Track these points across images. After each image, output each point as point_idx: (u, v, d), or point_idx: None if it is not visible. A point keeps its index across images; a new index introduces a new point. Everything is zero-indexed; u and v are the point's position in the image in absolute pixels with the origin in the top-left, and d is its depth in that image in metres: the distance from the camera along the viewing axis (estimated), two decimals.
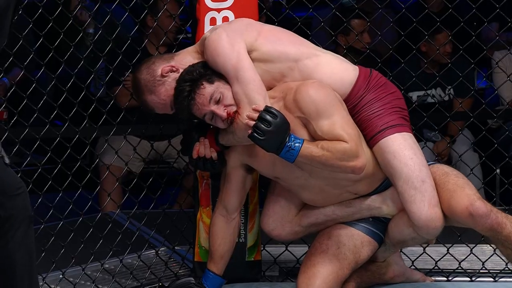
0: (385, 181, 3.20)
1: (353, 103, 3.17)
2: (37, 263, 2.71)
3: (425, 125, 3.92)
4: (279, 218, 3.32)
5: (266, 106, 3.02)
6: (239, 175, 3.27)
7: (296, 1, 3.67)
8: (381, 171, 3.17)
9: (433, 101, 5.00)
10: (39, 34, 3.49)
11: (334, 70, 3.18)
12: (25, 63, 3.49)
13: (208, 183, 3.50)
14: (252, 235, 3.50)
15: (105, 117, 3.61)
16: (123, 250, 3.64)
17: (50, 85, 3.65)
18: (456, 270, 3.61)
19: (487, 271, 3.59)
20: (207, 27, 3.40)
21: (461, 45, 3.78)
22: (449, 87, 5.05)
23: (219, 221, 3.31)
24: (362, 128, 3.16)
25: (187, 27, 4.28)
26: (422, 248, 3.63)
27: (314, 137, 3.07)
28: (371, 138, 3.15)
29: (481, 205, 3.06)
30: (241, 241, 3.47)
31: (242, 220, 3.45)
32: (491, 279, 3.57)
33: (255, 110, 3.02)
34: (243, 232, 3.48)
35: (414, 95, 4.95)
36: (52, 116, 3.49)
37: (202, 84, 3.09)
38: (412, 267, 3.56)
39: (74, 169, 3.55)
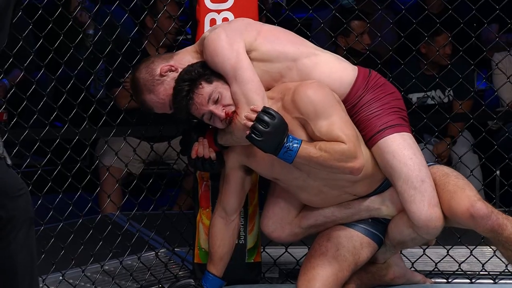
0: (384, 182, 3.20)
1: (352, 103, 3.17)
2: (37, 265, 2.71)
3: (425, 129, 3.91)
4: (279, 220, 3.31)
5: (264, 107, 3.01)
6: (238, 177, 3.27)
7: (296, 2, 3.66)
8: (380, 172, 3.17)
9: (433, 102, 5.00)
10: (39, 35, 3.48)
11: (333, 70, 3.18)
12: (25, 64, 3.48)
13: (208, 184, 3.50)
14: (252, 236, 3.50)
15: (105, 118, 3.60)
16: (123, 252, 3.64)
17: (50, 86, 3.65)
18: (456, 272, 3.61)
19: (487, 273, 3.59)
20: (207, 28, 3.38)
21: (461, 46, 3.78)
22: (449, 88, 5.04)
23: (218, 223, 3.31)
24: (361, 128, 3.15)
25: (187, 28, 4.27)
26: (422, 250, 3.62)
27: (312, 138, 3.06)
28: (370, 138, 3.15)
29: (482, 206, 3.06)
30: (241, 242, 3.47)
31: (242, 222, 3.45)
32: (491, 281, 3.57)
33: (253, 110, 3.01)
34: (243, 234, 3.48)
35: (414, 97, 4.94)
36: (52, 117, 3.49)
37: (201, 84, 3.09)
38: (412, 268, 3.56)
39: (74, 170, 3.55)
